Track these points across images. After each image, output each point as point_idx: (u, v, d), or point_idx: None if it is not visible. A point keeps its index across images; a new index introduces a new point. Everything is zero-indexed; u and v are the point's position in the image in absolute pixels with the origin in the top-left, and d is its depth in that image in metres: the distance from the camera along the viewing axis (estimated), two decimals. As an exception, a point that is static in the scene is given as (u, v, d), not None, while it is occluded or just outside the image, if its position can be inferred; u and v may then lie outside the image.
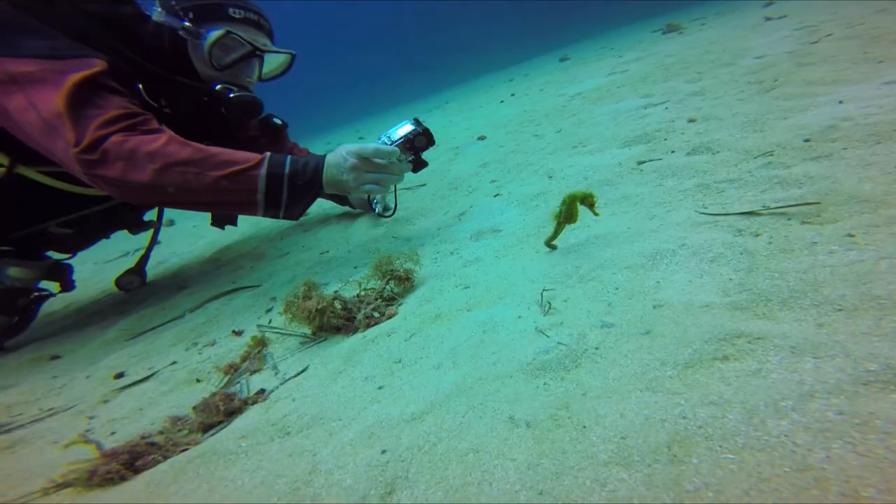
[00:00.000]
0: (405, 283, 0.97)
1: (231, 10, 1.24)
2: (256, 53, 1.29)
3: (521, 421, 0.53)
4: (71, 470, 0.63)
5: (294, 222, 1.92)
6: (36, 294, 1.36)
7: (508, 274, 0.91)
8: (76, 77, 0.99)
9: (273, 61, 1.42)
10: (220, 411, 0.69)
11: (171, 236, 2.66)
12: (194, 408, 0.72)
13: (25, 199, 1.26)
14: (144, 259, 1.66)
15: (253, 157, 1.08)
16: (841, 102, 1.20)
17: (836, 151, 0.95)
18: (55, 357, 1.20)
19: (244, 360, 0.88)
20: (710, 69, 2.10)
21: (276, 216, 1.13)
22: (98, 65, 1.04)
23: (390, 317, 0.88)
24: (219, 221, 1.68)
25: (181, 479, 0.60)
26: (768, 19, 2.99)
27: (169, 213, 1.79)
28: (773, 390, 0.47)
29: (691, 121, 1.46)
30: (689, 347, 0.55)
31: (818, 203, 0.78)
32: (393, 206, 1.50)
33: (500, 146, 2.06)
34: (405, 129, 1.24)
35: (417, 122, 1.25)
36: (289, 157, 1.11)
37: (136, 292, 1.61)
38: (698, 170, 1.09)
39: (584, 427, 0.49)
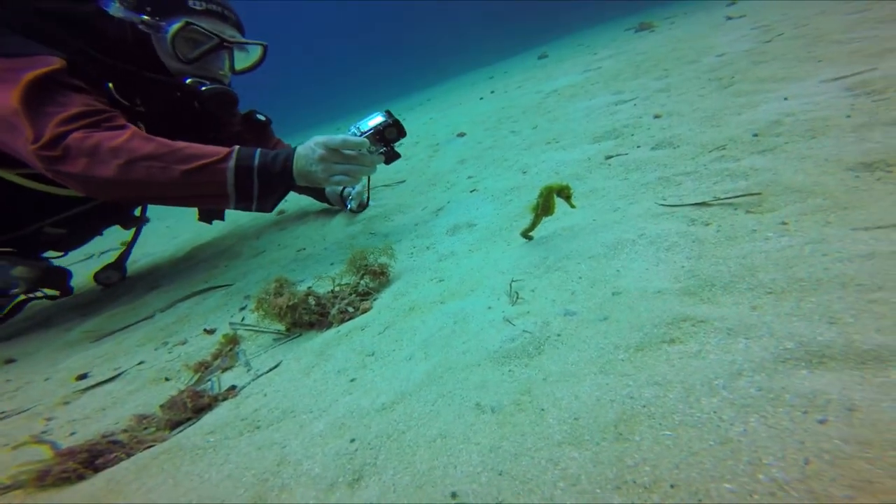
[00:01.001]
0: (380, 277, 0.98)
1: (191, 2, 1.21)
2: (224, 45, 1.27)
3: (487, 407, 0.55)
4: (21, 471, 0.60)
5: (271, 221, 1.89)
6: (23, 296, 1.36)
7: (481, 266, 0.93)
8: (32, 74, 0.98)
9: (245, 54, 1.39)
10: (189, 408, 0.68)
11: (144, 236, 2.52)
12: (162, 406, 0.71)
13: (12, 201, 1.24)
14: (125, 254, 1.64)
15: (221, 150, 1.07)
16: (786, 99, 1.28)
17: (779, 145, 1.02)
18: (10, 361, 1.15)
19: (216, 357, 0.87)
20: (676, 66, 2.18)
21: (248, 208, 1.12)
22: (56, 62, 1.02)
23: (364, 311, 0.89)
24: (206, 216, 1.66)
25: (144, 476, 0.59)
26: (730, 18, 3.12)
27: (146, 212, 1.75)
28: (709, 370, 0.51)
29: (657, 116, 1.51)
30: (641, 331, 0.59)
31: (760, 194, 0.84)
32: (365, 201, 1.49)
33: (478, 142, 2.08)
34: (375, 120, 1.23)
35: (389, 113, 1.24)
36: (258, 149, 1.11)
37: (105, 292, 1.55)
38: (660, 163, 1.15)
39: (543, 410, 0.52)
